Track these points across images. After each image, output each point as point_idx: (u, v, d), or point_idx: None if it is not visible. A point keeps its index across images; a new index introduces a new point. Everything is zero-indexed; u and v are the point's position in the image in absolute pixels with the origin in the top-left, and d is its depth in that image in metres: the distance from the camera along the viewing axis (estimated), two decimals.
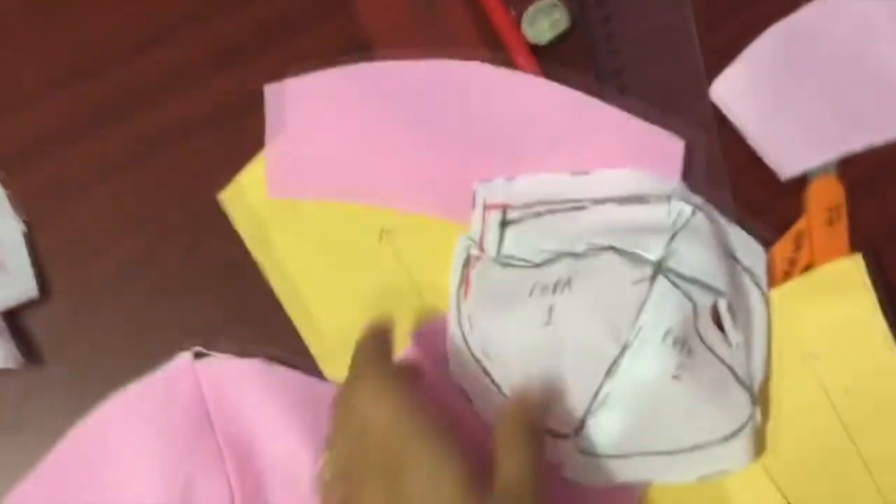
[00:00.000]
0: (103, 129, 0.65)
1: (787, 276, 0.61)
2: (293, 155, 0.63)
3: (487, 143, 0.63)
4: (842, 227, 0.61)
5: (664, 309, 0.56)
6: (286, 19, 0.66)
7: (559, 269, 0.58)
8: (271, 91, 0.63)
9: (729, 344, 0.58)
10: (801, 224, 0.62)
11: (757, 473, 0.59)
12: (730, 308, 0.58)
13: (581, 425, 0.57)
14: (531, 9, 0.64)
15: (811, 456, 0.59)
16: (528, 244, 0.60)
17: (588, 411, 0.56)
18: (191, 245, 0.64)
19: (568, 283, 0.57)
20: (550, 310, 0.57)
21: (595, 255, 0.58)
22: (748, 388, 0.58)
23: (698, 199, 0.60)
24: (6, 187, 0.64)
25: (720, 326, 0.58)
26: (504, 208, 0.61)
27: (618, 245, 0.57)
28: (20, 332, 0.62)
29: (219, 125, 0.65)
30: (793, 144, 0.63)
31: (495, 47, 0.64)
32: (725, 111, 0.64)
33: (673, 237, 0.57)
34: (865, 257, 0.60)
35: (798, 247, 0.61)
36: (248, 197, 0.63)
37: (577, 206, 0.61)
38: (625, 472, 0.58)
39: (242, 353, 0.62)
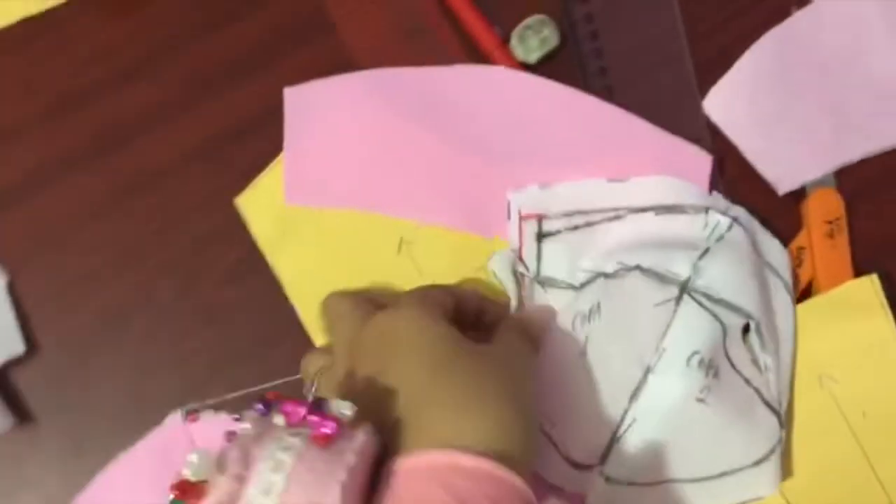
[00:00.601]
0: (85, 167, 0.63)
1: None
2: (311, 162, 0.62)
3: (510, 151, 0.61)
4: (843, 240, 0.61)
5: (690, 331, 0.55)
6: (269, 44, 0.64)
7: (593, 294, 0.57)
8: (290, 94, 0.62)
9: (758, 366, 0.57)
10: (801, 238, 0.61)
11: (773, 496, 0.58)
12: (758, 329, 0.57)
13: (607, 452, 0.56)
14: (520, 27, 0.63)
15: (828, 478, 0.58)
16: (566, 263, 0.59)
17: (614, 438, 0.55)
18: (182, 285, 0.62)
19: (598, 308, 0.56)
20: (586, 340, 0.56)
21: (622, 276, 0.56)
22: (776, 411, 0.57)
23: (739, 210, 0.59)
24: None
25: (749, 346, 0.57)
26: (539, 218, 0.60)
27: (646, 264, 0.56)
28: (9, 392, 0.60)
29: (206, 157, 0.63)
30: (789, 157, 0.62)
31: None
32: (720, 124, 0.63)
33: (704, 254, 0.56)
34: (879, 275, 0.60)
35: (800, 262, 0.61)
36: (266, 202, 0.62)
37: (615, 215, 0.59)
38: (651, 501, 0.57)
39: (236, 403, 0.60)
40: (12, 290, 0.61)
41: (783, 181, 0.62)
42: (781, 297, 0.59)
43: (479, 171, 0.61)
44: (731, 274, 0.56)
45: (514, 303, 0.59)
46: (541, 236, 0.59)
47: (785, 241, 0.61)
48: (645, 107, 0.62)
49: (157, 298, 0.62)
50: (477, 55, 0.63)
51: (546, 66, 0.63)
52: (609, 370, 0.55)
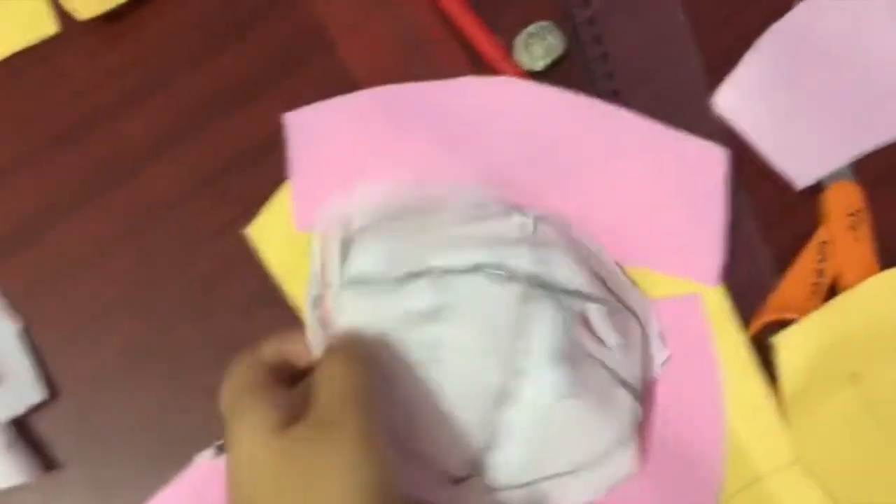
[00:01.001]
0: (87, 204, 0.62)
1: (817, 287, 0.60)
2: (318, 186, 0.61)
3: (523, 163, 0.60)
4: (865, 232, 0.60)
5: (545, 326, 0.53)
6: (268, 68, 0.63)
7: (431, 292, 0.54)
8: (292, 118, 0.61)
9: (606, 346, 0.56)
10: (822, 233, 0.61)
11: (817, 494, 0.58)
12: (599, 308, 0.56)
13: (482, 461, 0.55)
14: (524, 34, 0.62)
15: (862, 473, 0.58)
16: (380, 255, 0.55)
17: (487, 447, 0.55)
18: (198, 319, 0.61)
19: (444, 309, 0.54)
20: (437, 344, 0.53)
21: (463, 275, 0.54)
22: (631, 386, 0.57)
23: (539, 212, 0.59)
24: None
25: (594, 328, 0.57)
26: (345, 223, 0.58)
27: (484, 261, 0.54)
28: (33, 439, 0.59)
29: (211, 188, 0.62)
30: (804, 151, 0.61)
31: None
32: (732, 122, 0.62)
33: (533, 247, 0.55)
34: None
35: (823, 257, 0.60)
36: (276, 230, 0.61)
37: (421, 211, 0.58)
38: (535, 499, 0.56)
39: None
40: (28, 335, 0.60)
41: (800, 176, 0.61)
42: (598, 286, 0.58)
43: (490, 182, 0.60)
44: (562, 262, 0.55)
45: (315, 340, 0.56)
46: (346, 241, 0.57)
47: (805, 237, 0.61)
48: (655, 108, 0.61)
49: (173, 335, 0.61)
50: (482, 66, 0.62)
51: (553, 73, 0.62)
52: (471, 376, 0.54)
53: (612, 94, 0.62)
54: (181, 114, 0.63)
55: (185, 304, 0.61)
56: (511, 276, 0.54)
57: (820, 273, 0.60)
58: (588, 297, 0.56)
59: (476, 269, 0.54)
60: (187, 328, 0.61)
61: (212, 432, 0.59)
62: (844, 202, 0.60)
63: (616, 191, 0.60)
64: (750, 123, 0.62)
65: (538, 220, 0.57)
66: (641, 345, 0.59)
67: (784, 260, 0.61)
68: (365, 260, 0.55)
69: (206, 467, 0.58)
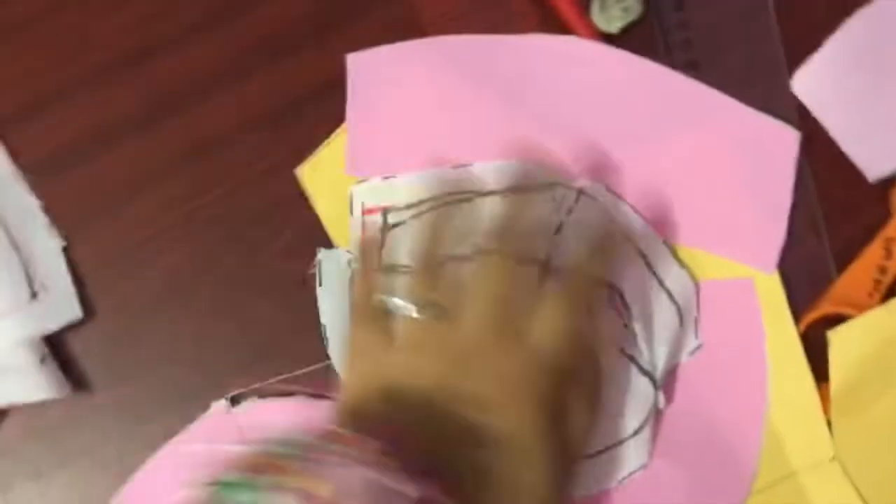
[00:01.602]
0: (142, 131, 0.61)
1: (878, 284, 0.58)
2: (375, 132, 0.60)
3: (581, 128, 0.59)
4: None
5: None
6: (336, 9, 0.62)
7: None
8: (354, 61, 0.60)
9: (628, 332, 0.55)
10: (890, 228, 0.59)
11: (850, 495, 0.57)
12: (622, 296, 0.55)
13: None
14: None
15: None
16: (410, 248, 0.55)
17: None
18: (243, 255, 0.60)
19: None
20: None
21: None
22: (650, 374, 0.56)
23: (585, 182, 0.57)
24: (39, 197, 0.60)
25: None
26: (384, 211, 0.58)
27: (502, 248, 0.52)
28: (65, 358, 0.59)
29: (274, 121, 0.61)
30: (881, 141, 0.59)
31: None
32: (808, 105, 0.60)
33: (557, 230, 0.54)
34: None
35: (889, 254, 0.58)
36: (327, 173, 0.60)
37: (462, 198, 0.56)
38: None
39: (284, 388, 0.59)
40: (68, 254, 0.59)
41: (873, 166, 0.59)
42: (638, 264, 0.57)
43: (551, 145, 0.59)
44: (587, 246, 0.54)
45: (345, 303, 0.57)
46: (385, 228, 0.57)
47: (873, 231, 0.59)
48: (730, 83, 0.59)
49: (216, 268, 0.60)
50: (555, 23, 0.60)
51: (628, 38, 0.60)
52: None
53: (688, 64, 0.60)
54: (243, 51, 0.61)
55: (231, 238, 0.60)
56: (529, 262, 0.51)
57: (883, 270, 0.58)
58: (609, 285, 0.55)
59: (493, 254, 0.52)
60: (231, 262, 0.60)
61: (245, 368, 0.58)
62: None
63: (678, 165, 0.58)
64: (827, 108, 0.60)
65: (581, 194, 0.56)
66: (673, 333, 0.57)
67: (847, 252, 0.59)
68: (397, 254, 0.54)
69: (219, 415, 0.58)
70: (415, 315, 0.47)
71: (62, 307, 0.58)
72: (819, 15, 0.60)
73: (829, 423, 0.57)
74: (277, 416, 0.58)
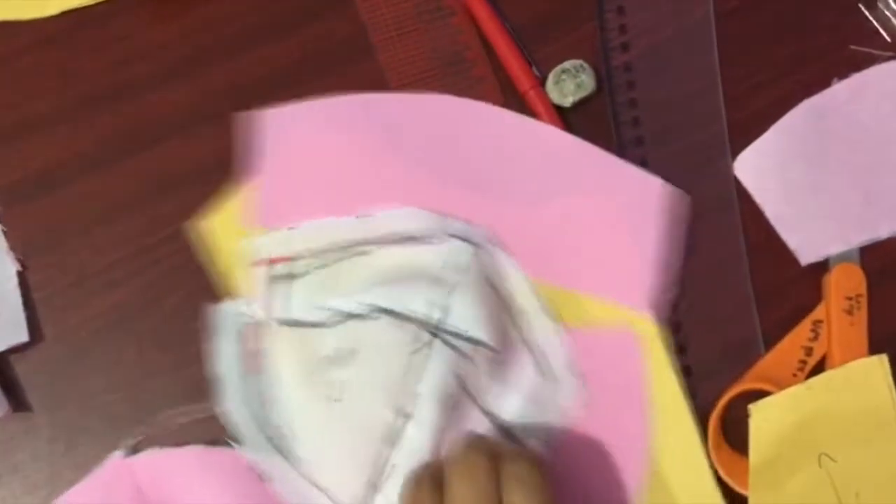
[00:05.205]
0: (110, 166, 0.63)
1: (804, 364, 0.59)
2: (284, 184, 0.61)
3: (478, 180, 0.61)
4: (862, 317, 0.59)
5: (443, 374, 0.55)
6: (307, 62, 0.64)
7: (345, 337, 0.57)
8: (267, 116, 0.62)
9: (492, 394, 0.58)
10: (819, 311, 0.60)
11: None
12: (496, 361, 0.57)
13: (370, 497, 0.56)
14: (557, 69, 0.63)
15: None
16: (314, 301, 0.59)
17: (376, 483, 0.56)
18: (190, 293, 0.61)
19: (352, 354, 0.56)
20: (342, 386, 0.56)
21: (372, 320, 0.57)
22: (517, 438, 0.58)
23: (479, 232, 0.60)
24: (1, 222, 0.62)
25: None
26: (288, 260, 0.60)
27: (395, 306, 0.56)
28: (7, 379, 0.60)
29: (226, 167, 0.62)
30: (815, 228, 0.61)
31: (519, 107, 0.63)
32: (748, 187, 0.62)
33: (451, 291, 0.57)
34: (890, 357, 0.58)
35: (816, 335, 0.60)
36: (222, 231, 0.62)
37: (361, 251, 0.59)
38: None
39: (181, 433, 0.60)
40: (22, 279, 0.61)
41: (806, 251, 0.61)
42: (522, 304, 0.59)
43: (439, 200, 0.61)
44: (477, 308, 0.57)
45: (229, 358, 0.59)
46: (289, 277, 0.60)
47: (802, 313, 0.60)
48: (674, 161, 0.62)
49: (162, 303, 0.62)
50: (511, 92, 0.63)
51: (580, 111, 0.63)
52: (366, 416, 0.56)
53: (635, 141, 0.62)
54: (215, 96, 0.64)
55: (178, 275, 0.62)
56: (420, 323, 0.56)
57: (809, 351, 0.60)
58: (492, 349, 0.57)
59: (375, 313, 0.56)
60: (176, 299, 0.62)
61: (181, 399, 0.60)
62: (846, 284, 0.60)
63: (562, 215, 0.60)
64: (765, 192, 0.61)
65: (478, 248, 0.59)
66: (536, 390, 0.59)
67: (776, 331, 0.60)
68: (301, 308, 0.58)
69: (115, 466, 0.59)
70: None
71: (9, 329, 0.60)
72: (767, 101, 0.62)
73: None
74: (175, 466, 0.59)
